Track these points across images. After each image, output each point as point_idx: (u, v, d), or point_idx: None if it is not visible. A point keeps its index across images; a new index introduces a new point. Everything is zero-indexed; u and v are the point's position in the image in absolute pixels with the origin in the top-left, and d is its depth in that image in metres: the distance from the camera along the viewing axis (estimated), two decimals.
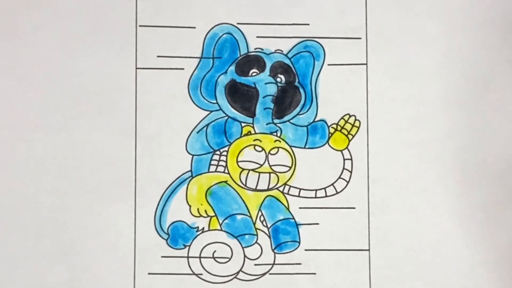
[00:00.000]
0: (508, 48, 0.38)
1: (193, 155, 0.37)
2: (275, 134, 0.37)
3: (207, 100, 0.38)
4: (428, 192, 0.37)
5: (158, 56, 0.38)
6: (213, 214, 0.37)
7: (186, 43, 0.38)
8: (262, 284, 0.37)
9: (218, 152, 0.37)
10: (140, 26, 0.38)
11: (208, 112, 0.38)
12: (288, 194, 0.37)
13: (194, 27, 0.38)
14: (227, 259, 0.37)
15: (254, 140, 0.37)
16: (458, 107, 0.37)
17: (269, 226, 0.37)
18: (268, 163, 0.37)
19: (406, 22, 0.38)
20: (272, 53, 0.38)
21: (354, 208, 0.37)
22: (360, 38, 0.38)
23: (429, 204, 0.37)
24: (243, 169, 0.37)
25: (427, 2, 0.38)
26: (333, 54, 0.38)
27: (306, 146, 0.37)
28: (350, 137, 0.37)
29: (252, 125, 0.37)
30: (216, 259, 0.37)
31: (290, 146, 0.37)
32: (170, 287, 0.36)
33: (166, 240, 0.37)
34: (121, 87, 0.37)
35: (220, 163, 0.37)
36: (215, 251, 0.37)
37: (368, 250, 0.37)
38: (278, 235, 0.37)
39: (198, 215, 0.37)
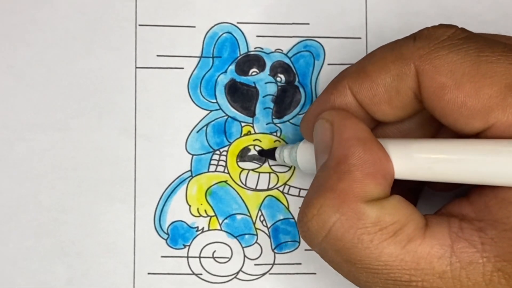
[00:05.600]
0: None
1: (193, 155, 0.37)
2: (275, 134, 0.37)
3: (206, 100, 0.38)
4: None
5: (157, 55, 0.37)
6: (213, 214, 0.37)
7: (185, 42, 0.38)
8: (262, 284, 0.37)
9: (218, 152, 0.37)
10: (139, 25, 0.37)
11: (207, 112, 0.37)
12: (288, 194, 0.37)
13: (194, 26, 0.38)
14: (227, 259, 0.37)
15: (254, 140, 0.37)
16: None
17: (269, 226, 0.37)
18: (268, 163, 0.37)
19: (406, 22, 0.38)
20: (272, 52, 0.38)
21: None
22: (360, 38, 0.38)
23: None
24: (243, 169, 0.37)
25: (427, 2, 0.38)
26: (333, 53, 0.38)
27: None
28: None
29: (252, 125, 0.37)
30: (216, 259, 0.37)
31: None
32: (170, 287, 0.36)
33: (166, 240, 0.37)
34: (120, 86, 0.37)
35: (220, 162, 0.37)
36: (215, 251, 0.37)
37: None
38: (278, 235, 0.37)
39: (198, 215, 0.37)
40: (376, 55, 0.30)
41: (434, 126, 0.31)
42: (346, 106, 0.30)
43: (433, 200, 0.35)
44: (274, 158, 0.36)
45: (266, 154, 0.37)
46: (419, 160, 0.28)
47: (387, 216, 0.27)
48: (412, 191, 0.34)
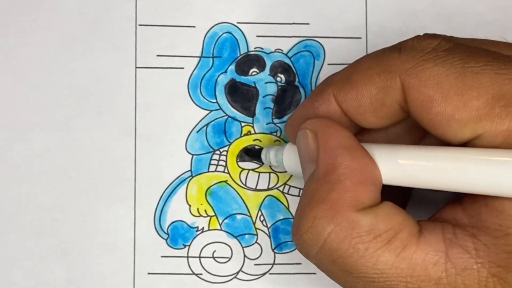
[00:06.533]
0: None
1: (193, 155, 0.37)
2: (275, 134, 0.37)
3: (207, 100, 0.38)
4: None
5: (157, 55, 0.37)
6: (213, 214, 0.37)
7: (185, 42, 0.38)
8: (262, 284, 0.37)
9: (218, 152, 0.37)
10: (139, 25, 0.37)
11: (208, 112, 0.37)
12: (288, 194, 0.37)
13: (194, 26, 0.38)
14: (227, 259, 0.37)
15: (254, 140, 0.37)
16: None
17: (269, 226, 0.37)
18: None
19: (406, 22, 0.38)
20: (272, 52, 0.38)
21: None
22: (360, 38, 0.38)
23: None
24: (243, 169, 0.37)
25: (427, 2, 0.38)
26: (333, 53, 0.38)
27: None
28: None
29: (252, 124, 0.37)
30: (216, 259, 0.37)
31: None
32: (170, 287, 0.36)
33: (166, 240, 0.37)
34: (120, 86, 0.37)
35: (220, 162, 0.37)
36: (215, 251, 0.37)
37: None
38: (278, 235, 0.37)
39: (198, 215, 0.37)
40: (362, 65, 0.29)
41: (420, 132, 0.31)
42: (330, 114, 0.30)
43: (425, 205, 0.35)
44: (260, 159, 0.36)
45: (253, 155, 0.37)
46: (405, 166, 0.28)
47: (380, 224, 0.27)
48: (401, 197, 0.34)
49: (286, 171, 0.37)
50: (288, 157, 0.33)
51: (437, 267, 0.27)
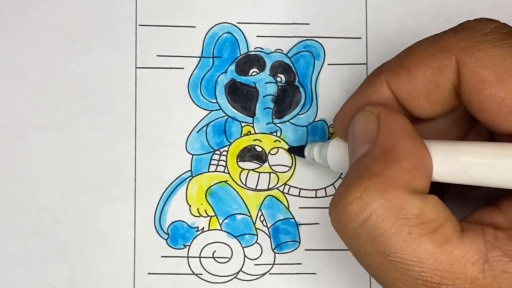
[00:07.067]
0: None
1: (193, 155, 0.37)
2: (275, 134, 0.37)
3: (207, 100, 0.38)
4: None
5: (157, 56, 0.37)
6: (213, 214, 0.37)
7: (186, 43, 0.38)
8: (262, 284, 0.37)
9: (218, 152, 0.37)
10: (140, 25, 0.38)
11: (208, 112, 0.37)
12: (288, 194, 0.37)
13: (194, 27, 0.38)
14: (227, 259, 0.37)
15: (254, 140, 0.37)
16: None
17: (269, 226, 0.37)
18: (268, 163, 0.37)
19: (406, 22, 0.38)
20: (272, 52, 0.38)
21: None
22: (360, 38, 0.38)
23: None
24: (243, 169, 0.37)
25: (427, 2, 0.38)
26: (333, 53, 0.38)
27: None
28: None
29: (252, 125, 0.37)
30: (216, 259, 0.37)
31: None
32: (170, 287, 0.36)
33: (166, 240, 0.37)
34: (120, 86, 0.37)
35: (220, 162, 0.37)
36: (215, 251, 0.37)
37: None
38: (278, 235, 0.37)
39: (198, 215, 0.37)
40: (415, 48, 0.29)
41: (466, 126, 0.31)
42: (383, 102, 0.30)
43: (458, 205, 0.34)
44: (303, 156, 0.36)
45: (295, 152, 0.37)
46: (464, 163, 0.27)
47: (429, 211, 0.26)
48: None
49: (285, 171, 0.37)
50: (333, 153, 0.33)
51: (475, 266, 0.26)
